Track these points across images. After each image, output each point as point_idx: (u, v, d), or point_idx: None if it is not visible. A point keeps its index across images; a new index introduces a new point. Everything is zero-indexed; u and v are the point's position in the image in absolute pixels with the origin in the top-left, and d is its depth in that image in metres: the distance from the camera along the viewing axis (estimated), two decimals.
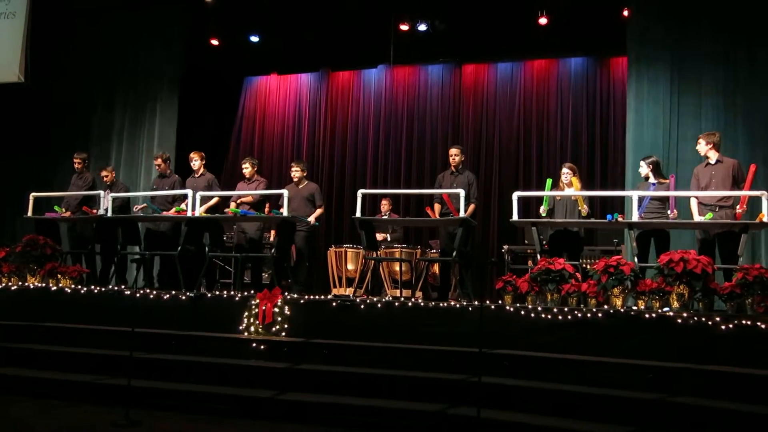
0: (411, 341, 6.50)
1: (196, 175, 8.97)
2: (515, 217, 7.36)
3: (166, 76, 11.69)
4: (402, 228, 10.63)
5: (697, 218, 7.23)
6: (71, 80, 11.62)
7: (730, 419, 4.92)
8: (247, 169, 8.77)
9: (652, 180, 7.56)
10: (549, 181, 7.75)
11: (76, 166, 9.56)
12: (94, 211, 8.83)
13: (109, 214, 8.39)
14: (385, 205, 10.55)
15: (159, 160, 9.19)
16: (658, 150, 9.03)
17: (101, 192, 8.71)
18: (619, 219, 7.08)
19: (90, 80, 11.79)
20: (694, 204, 7.36)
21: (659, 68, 9.43)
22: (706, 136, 7.44)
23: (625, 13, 10.02)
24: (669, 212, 7.28)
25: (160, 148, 10.77)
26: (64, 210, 9.09)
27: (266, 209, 8.93)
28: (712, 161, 7.34)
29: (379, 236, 10.06)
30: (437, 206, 8.31)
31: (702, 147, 7.40)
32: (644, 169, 7.65)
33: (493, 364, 5.98)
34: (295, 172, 8.74)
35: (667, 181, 7.54)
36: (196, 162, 8.95)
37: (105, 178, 9.36)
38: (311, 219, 8.42)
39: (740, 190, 7.03)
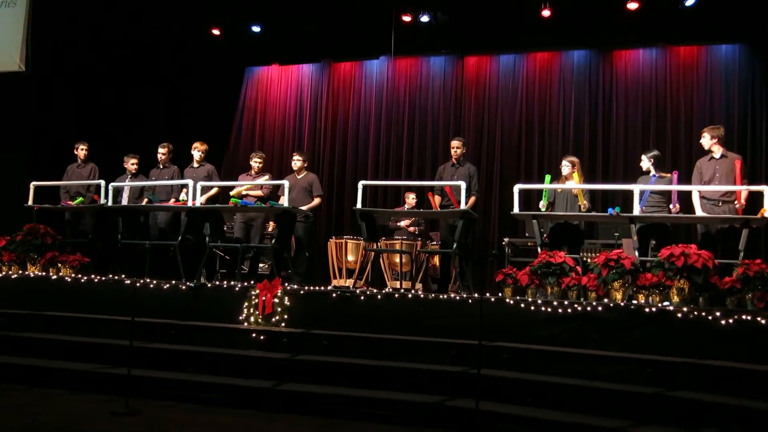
0: (410, 333, 6.50)
1: (195, 165, 8.96)
2: (516, 209, 7.36)
3: None
4: (424, 222, 10.56)
5: (699, 212, 7.23)
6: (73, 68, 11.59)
7: (729, 414, 4.92)
8: (258, 163, 8.82)
9: (653, 173, 7.54)
10: (548, 177, 7.73)
11: (81, 155, 9.52)
12: (96, 196, 8.84)
13: (110, 203, 8.40)
14: (412, 199, 10.48)
15: (165, 150, 9.16)
16: None
17: (101, 181, 8.70)
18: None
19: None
20: (696, 198, 7.34)
21: None
22: (711, 129, 7.40)
23: (630, 5, 9.98)
24: (671, 206, 7.27)
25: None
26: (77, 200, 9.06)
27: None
28: (717, 156, 7.31)
29: (411, 228, 10.05)
30: (438, 198, 8.29)
31: (706, 141, 7.36)
32: (646, 163, 7.63)
33: (493, 356, 5.98)
34: (296, 162, 8.75)
35: (668, 175, 7.53)
36: (197, 152, 8.94)
37: (132, 167, 9.34)
38: (303, 208, 8.39)
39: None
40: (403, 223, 10.13)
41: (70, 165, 9.65)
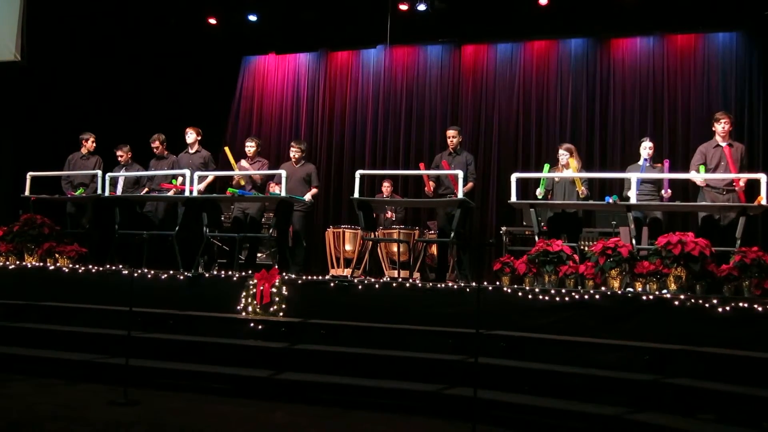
0: (408, 322, 6.51)
1: (191, 151, 8.92)
2: (513, 198, 7.35)
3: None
4: (404, 209, 10.64)
5: (698, 180, 7.18)
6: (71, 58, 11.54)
7: (726, 401, 4.94)
8: (252, 148, 8.74)
9: (643, 163, 7.54)
10: (546, 166, 7.73)
11: (89, 146, 9.47)
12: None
13: (107, 193, 8.39)
14: (386, 187, 10.53)
15: (156, 143, 9.14)
16: None
17: (98, 172, 8.69)
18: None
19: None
20: (696, 177, 7.25)
21: None
22: (730, 116, 7.35)
23: None
24: (663, 192, 7.27)
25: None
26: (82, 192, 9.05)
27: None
28: (723, 144, 7.29)
29: (389, 215, 10.09)
30: (433, 184, 8.27)
31: (725, 127, 7.29)
32: (647, 150, 7.60)
33: (491, 345, 5.99)
34: (295, 152, 8.72)
35: (660, 165, 7.55)
36: (191, 136, 8.88)
37: (120, 158, 9.30)
38: (306, 197, 8.38)
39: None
40: (389, 214, 10.17)
41: (72, 154, 9.58)
